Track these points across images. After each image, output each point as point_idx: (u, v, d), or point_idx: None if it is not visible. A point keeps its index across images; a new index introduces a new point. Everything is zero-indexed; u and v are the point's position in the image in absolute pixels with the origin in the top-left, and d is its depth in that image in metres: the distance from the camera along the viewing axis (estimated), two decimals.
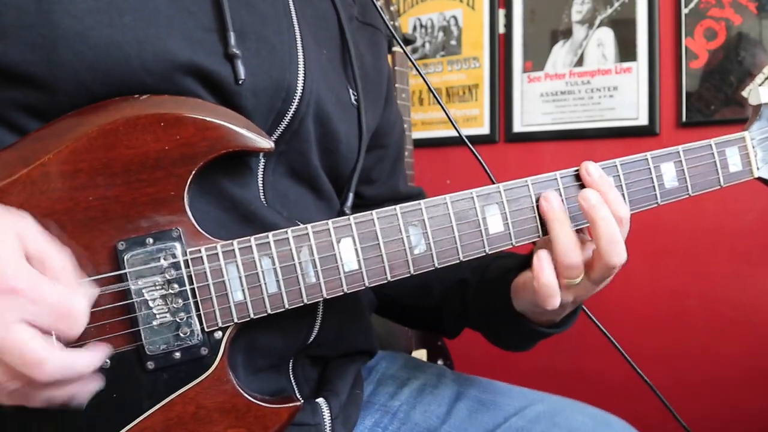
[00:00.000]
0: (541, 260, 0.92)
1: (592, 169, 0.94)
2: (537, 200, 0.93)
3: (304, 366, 1.02)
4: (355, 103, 1.09)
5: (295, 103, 0.95)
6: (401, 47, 1.21)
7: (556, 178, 0.95)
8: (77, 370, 0.73)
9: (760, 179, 1.05)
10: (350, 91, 1.08)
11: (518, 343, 1.12)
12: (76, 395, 0.75)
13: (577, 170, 0.95)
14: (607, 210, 0.91)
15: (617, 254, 0.91)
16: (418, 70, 1.17)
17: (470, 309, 1.13)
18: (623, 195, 0.97)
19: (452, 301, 1.17)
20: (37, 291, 0.69)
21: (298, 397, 0.98)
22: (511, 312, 1.03)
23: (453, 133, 3.14)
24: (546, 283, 0.91)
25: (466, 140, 1.16)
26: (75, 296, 0.72)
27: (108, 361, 0.80)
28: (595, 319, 1.17)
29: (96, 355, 0.75)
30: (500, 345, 1.15)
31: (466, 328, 1.20)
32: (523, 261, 1.02)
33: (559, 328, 1.05)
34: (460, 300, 1.15)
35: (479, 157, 1.16)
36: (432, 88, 1.18)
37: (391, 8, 2.64)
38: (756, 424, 2.57)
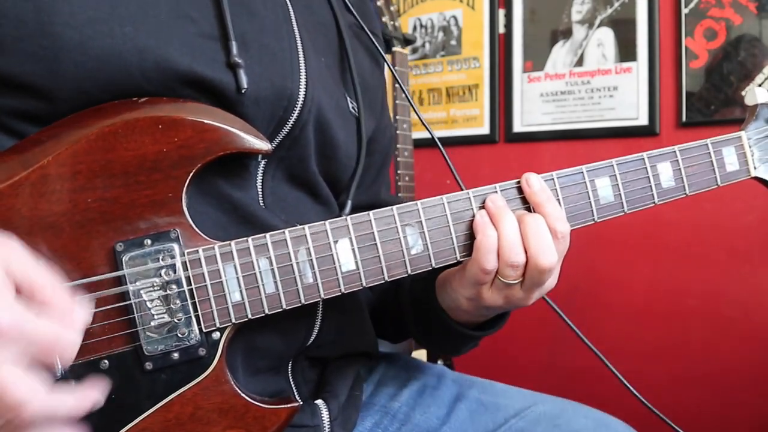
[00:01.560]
0: (484, 216, 0.93)
1: (532, 181, 0.95)
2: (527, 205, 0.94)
3: (303, 367, 1.02)
4: (353, 110, 1.09)
5: (297, 111, 0.95)
6: (376, 45, 1.20)
7: (496, 190, 0.95)
8: (61, 413, 0.70)
9: (757, 179, 1.06)
10: (348, 98, 1.08)
11: (446, 344, 1.13)
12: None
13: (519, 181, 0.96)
14: (537, 217, 0.93)
15: (546, 254, 0.91)
16: (391, 69, 1.17)
17: (403, 308, 1.15)
18: (620, 195, 0.97)
19: (388, 302, 1.18)
20: (21, 328, 0.66)
21: (297, 398, 0.98)
22: (434, 307, 1.05)
23: (453, 133, 3.15)
24: (489, 234, 0.91)
25: (438, 142, 1.17)
26: (62, 328, 0.70)
27: (107, 362, 0.80)
28: (563, 315, 1.17)
29: (85, 397, 0.73)
30: (431, 347, 1.16)
31: None
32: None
33: (483, 331, 1.06)
34: (394, 300, 1.16)
35: (449, 160, 1.16)
36: (403, 86, 1.18)
37: (391, 8, 2.64)
38: (755, 422, 2.57)
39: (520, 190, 0.95)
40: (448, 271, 1.03)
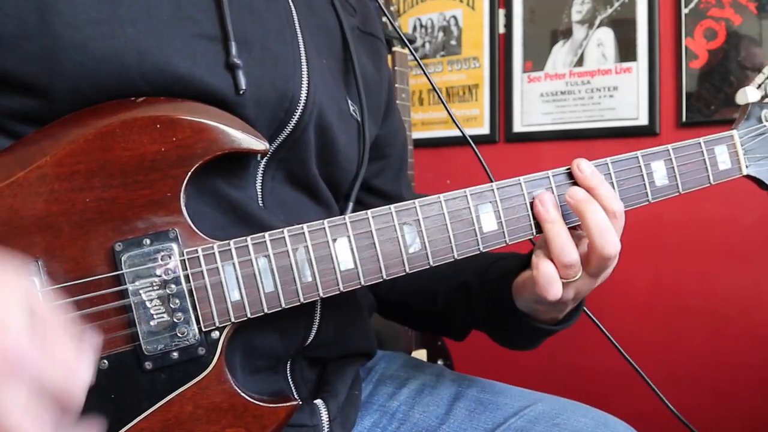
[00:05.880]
0: (539, 255, 0.93)
1: (583, 166, 0.94)
2: (531, 200, 0.94)
3: (302, 367, 1.02)
4: (354, 113, 1.09)
5: (298, 113, 0.96)
6: (410, 50, 1.21)
7: (548, 177, 0.95)
8: None
9: (748, 177, 1.07)
10: (349, 101, 1.08)
11: (524, 342, 1.12)
12: None
13: (569, 168, 0.96)
14: (594, 203, 0.92)
15: (610, 244, 0.91)
16: (424, 71, 1.17)
17: (475, 311, 1.13)
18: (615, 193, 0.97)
19: (457, 304, 1.17)
20: (35, 368, 0.64)
21: (296, 398, 0.98)
22: (514, 312, 1.03)
23: (453, 133, 3.15)
24: (545, 271, 0.91)
25: (469, 139, 1.17)
26: (79, 360, 0.68)
27: (106, 362, 0.80)
28: (595, 320, 1.17)
29: None
30: (506, 345, 1.15)
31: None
32: (523, 261, 1.03)
33: (562, 324, 1.05)
34: (464, 303, 1.15)
35: (480, 156, 1.16)
36: (436, 87, 1.18)
37: (391, 8, 2.64)
38: (754, 421, 2.57)
39: (569, 176, 0.95)
40: (520, 280, 1.01)
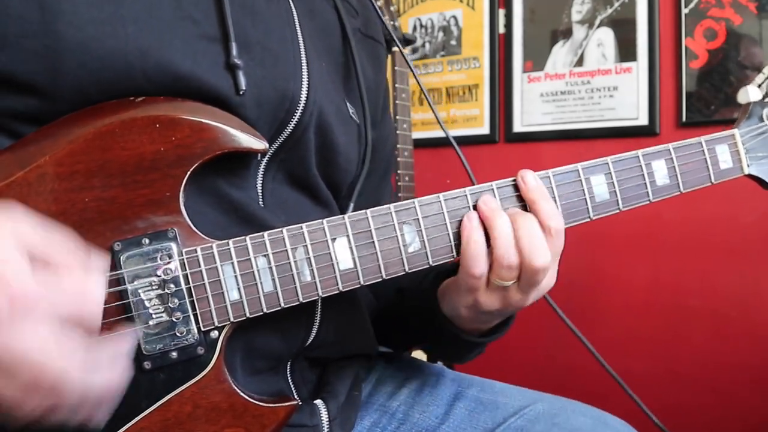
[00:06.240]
0: (471, 220, 0.92)
1: (528, 178, 0.94)
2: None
3: (302, 368, 1.02)
4: (353, 116, 1.09)
5: (298, 114, 0.96)
6: (401, 53, 1.21)
7: (492, 188, 0.95)
8: (95, 392, 0.72)
9: (750, 176, 1.07)
10: (347, 103, 1.09)
11: (452, 351, 1.13)
12: (94, 416, 0.74)
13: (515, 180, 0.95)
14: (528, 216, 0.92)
15: (539, 256, 0.90)
16: (414, 73, 1.18)
17: (406, 315, 1.14)
18: (615, 192, 0.98)
19: (391, 310, 1.18)
20: (44, 293, 0.68)
21: (296, 398, 0.98)
22: (438, 317, 1.04)
23: (452, 133, 3.11)
24: (476, 240, 0.91)
25: (452, 140, 1.17)
26: (87, 282, 0.71)
27: None
28: (565, 318, 1.17)
29: (114, 374, 0.75)
30: (437, 355, 1.16)
31: None
32: (453, 267, 1.03)
33: (486, 337, 1.06)
34: (398, 308, 1.17)
35: (463, 158, 1.16)
36: (424, 90, 1.19)
37: (391, 8, 2.64)
38: (753, 421, 2.57)
39: (516, 187, 0.95)
40: (447, 281, 1.02)
